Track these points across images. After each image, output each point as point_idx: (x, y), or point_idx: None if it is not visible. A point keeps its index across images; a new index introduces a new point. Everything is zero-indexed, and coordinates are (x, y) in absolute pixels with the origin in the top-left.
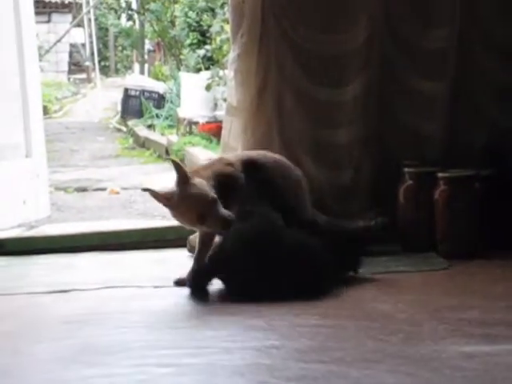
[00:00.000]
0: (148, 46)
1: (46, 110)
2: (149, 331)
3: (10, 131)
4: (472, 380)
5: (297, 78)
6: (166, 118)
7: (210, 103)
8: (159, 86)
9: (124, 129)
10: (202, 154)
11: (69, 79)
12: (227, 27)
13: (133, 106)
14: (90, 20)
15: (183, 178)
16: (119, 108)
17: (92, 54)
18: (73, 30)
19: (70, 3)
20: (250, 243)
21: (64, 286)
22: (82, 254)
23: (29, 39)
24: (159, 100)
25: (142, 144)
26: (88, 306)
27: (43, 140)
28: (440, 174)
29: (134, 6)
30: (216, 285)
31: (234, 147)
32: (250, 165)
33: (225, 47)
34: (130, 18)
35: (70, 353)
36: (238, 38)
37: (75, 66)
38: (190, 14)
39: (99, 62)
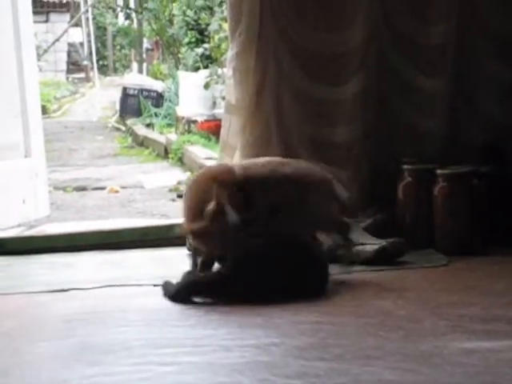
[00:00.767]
0: (146, 44)
1: (44, 110)
2: (149, 330)
3: (9, 131)
4: (473, 376)
5: (295, 76)
6: (165, 117)
7: (209, 102)
8: (158, 85)
9: (123, 128)
10: (200, 153)
11: (67, 78)
12: (225, 25)
13: (131, 104)
14: (87, 19)
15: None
16: (118, 107)
17: (90, 53)
18: (71, 29)
19: (67, 3)
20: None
21: (64, 285)
22: (81, 253)
23: (27, 39)
24: (158, 99)
25: (141, 143)
26: (88, 305)
27: (42, 139)
28: (439, 171)
29: (132, 4)
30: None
31: (233, 145)
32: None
33: (223, 45)
34: (127, 16)
35: (71, 352)
36: (236, 37)
37: (73, 66)
38: (188, 12)
39: (97, 61)
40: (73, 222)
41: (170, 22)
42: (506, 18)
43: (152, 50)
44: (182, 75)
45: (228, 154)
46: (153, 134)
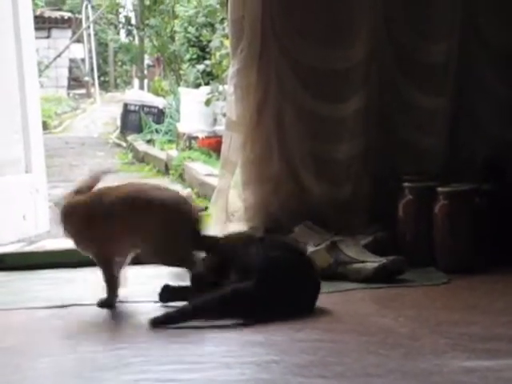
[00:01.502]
0: (147, 61)
1: (45, 126)
2: (149, 346)
3: (10, 146)
4: None
5: (297, 92)
6: (166, 133)
7: (210, 118)
8: (159, 101)
9: (123, 144)
10: (201, 169)
11: (68, 94)
12: (227, 42)
13: (132, 121)
14: (89, 35)
15: None
16: (119, 123)
17: (91, 69)
18: (72, 45)
19: (69, 19)
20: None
21: (64, 300)
22: (81, 269)
23: (28, 54)
24: (159, 115)
25: (142, 159)
26: (88, 321)
27: (43, 155)
28: (440, 189)
29: (134, 21)
30: None
31: (234, 162)
32: None
33: (224, 62)
34: (129, 33)
35: (71, 368)
36: (237, 53)
37: (75, 82)
38: (190, 29)
39: (99, 77)
40: None
41: (172, 38)
42: (508, 35)
43: (153, 66)
44: (183, 92)
45: (229, 170)
46: (153, 151)
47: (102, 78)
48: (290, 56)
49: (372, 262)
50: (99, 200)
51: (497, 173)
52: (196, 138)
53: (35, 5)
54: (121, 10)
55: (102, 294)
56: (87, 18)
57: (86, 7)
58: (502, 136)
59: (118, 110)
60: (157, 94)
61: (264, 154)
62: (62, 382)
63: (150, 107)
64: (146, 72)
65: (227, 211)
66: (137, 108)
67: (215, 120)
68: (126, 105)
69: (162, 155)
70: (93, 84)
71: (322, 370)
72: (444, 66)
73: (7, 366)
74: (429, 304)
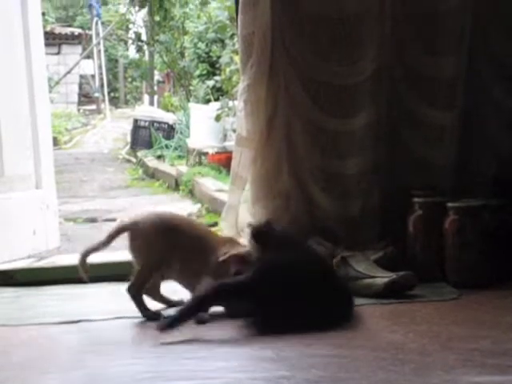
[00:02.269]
0: (157, 76)
1: (55, 141)
2: (159, 362)
3: (20, 162)
4: None
5: (306, 108)
6: (176, 149)
7: (220, 134)
8: (169, 117)
9: (133, 160)
10: (211, 185)
11: (78, 110)
12: (236, 58)
13: (142, 136)
14: (99, 51)
15: None
16: (129, 139)
17: (102, 85)
18: (82, 61)
19: (79, 35)
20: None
21: (74, 316)
22: (91, 285)
23: (39, 71)
24: (169, 131)
25: (152, 175)
26: (98, 337)
27: (53, 171)
28: (450, 204)
29: (144, 37)
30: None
31: (244, 178)
32: None
33: (234, 78)
34: (139, 49)
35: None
36: (247, 69)
37: (85, 98)
38: (200, 45)
39: (109, 93)
40: None
41: (182, 54)
42: None
43: (163, 82)
44: (193, 107)
45: (239, 186)
46: (163, 166)
47: (112, 94)
48: (299, 71)
49: (382, 278)
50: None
51: (506, 188)
52: (206, 153)
53: (45, 21)
54: (131, 26)
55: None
56: (97, 34)
57: (96, 23)
58: None
59: (128, 126)
60: (167, 109)
61: (274, 170)
62: None
63: (159, 123)
64: (155, 88)
65: (237, 227)
66: (147, 124)
67: (225, 136)
68: (136, 120)
69: (172, 171)
70: (103, 100)
71: None
72: (453, 80)
73: (17, 381)
74: (439, 319)
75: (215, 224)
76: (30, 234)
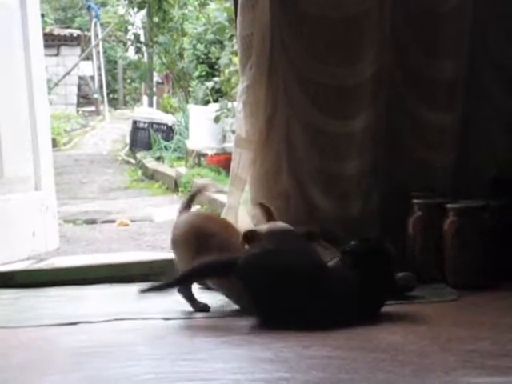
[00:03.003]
0: (156, 78)
1: (54, 143)
2: (159, 363)
3: (20, 164)
4: None
5: (306, 109)
6: (175, 150)
7: (219, 135)
8: (168, 118)
9: (133, 161)
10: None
11: (77, 112)
12: (235, 59)
13: (141, 138)
14: (98, 53)
15: None
16: (128, 140)
17: (101, 86)
18: (81, 62)
19: (78, 36)
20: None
21: (73, 318)
22: (90, 287)
23: (38, 72)
24: (168, 132)
25: (151, 176)
26: (97, 339)
27: (52, 172)
28: (449, 205)
29: (143, 38)
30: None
31: (243, 179)
32: None
33: (233, 79)
34: (138, 50)
35: None
36: (246, 70)
37: (84, 99)
38: (199, 46)
39: (108, 94)
40: (82, 255)
41: (181, 55)
42: None
43: (162, 83)
44: (192, 109)
45: (238, 187)
46: (163, 168)
47: (111, 96)
48: (298, 73)
49: None
50: None
51: (506, 189)
52: (205, 154)
53: (44, 22)
54: (129, 27)
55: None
56: (96, 35)
57: (95, 25)
58: (511, 152)
59: (127, 128)
60: (166, 111)
61: (273, 171)
62: None
63: (159, 124)
64: (154, 89)
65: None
66: (146, 125)
67: (224, 137)
68: (135, 122)
69: (172, 172)
70: (102, 101)
71: None
72: (452, 82)
73: (16, 383)
74: (438, 320)
75: None
76: (30, 236)
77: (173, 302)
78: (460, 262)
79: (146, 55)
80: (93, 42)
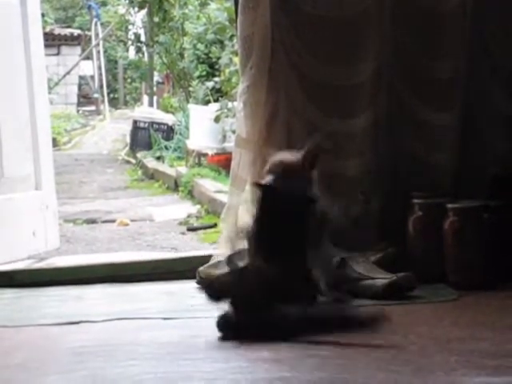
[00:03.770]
0: (157, 78)
1: (55, 142)
2: (159, 363)
3: (20, 164)
4: None
5: (306, 109)
6: (175, 150)
7: (219, 135)
8: (168, 118)
9: (133, 161)
10: (210, 186)
11: (78, 111)
12: (236, 59)
13: (142, 137)
14: (98, 52)
15: None
16: (128, 140)
17: (101, 86)
18: (82, 62)
19: (79, 36)
20: None
21: (73, 317)
22: (91, 286)
23: (38, 72)
24: (168, 132)
25: (151, 176)
26: (97, 338)
27: (52, 172)
28: (449, 205)
29: (143, 38)
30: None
31: (244, 179)
32: None
33: (233, 79)
34: (138, 50)
35: None
36: (247, 70)
37: (84, 98)
38: (199, 46)
39: (108, 94)
40: (83, 255)
41: (181, 55)
42: None
43: (162, 83)
44: (193, 108)
45: (238, 187)
46: (163, 167)
47: (111, 95)
48: (299, 72)
49: (382, 279)
50: None
51: (506, 189)
52: (205, 154)
53: (45, 22)
54: (130, 27)
55: None
56: (96, 35)
57: (95, 24)
58: (511, 152)
59: (127, 127)
60: (166, 110)
61: None
62: None
63: (159, 124)
64: (155, 89)
65: (237, 228)
66: (146, 125)
67: (224, 137)
68: (135, 122)
69: (172, 172)
70: (102, 101)
71: None
72: (452, 82)
73: (16, 382)
74: (439, 320)
75: (215, 225)
76: (30, 235)
77: (172, 301)
78: (460, 261)
79: (146, 55)
80: (93, 42)
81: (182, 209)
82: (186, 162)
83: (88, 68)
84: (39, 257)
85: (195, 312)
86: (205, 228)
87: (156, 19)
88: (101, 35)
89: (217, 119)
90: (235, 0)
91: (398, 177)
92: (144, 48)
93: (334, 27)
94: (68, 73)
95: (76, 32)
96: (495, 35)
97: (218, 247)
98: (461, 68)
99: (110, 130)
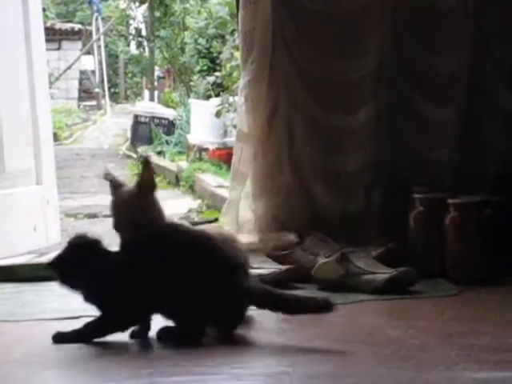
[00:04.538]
0: (158, 72)
1: (56, 137)
2: (157, 357)
3: (21, 158)
4: None
5: (307, 104)
6: (176, 145)
7: (220, 130)
8: (169, 113)
9: (134, 155)
10: (211, 181)
11: (79, 106)
12: (237, 54)
13: (143, 132)
14: (99, 47)
15: None
16: (129, 135)
17: (102, 80)
18: (83, 57)
19: (79, 30)
20: None
21: (74, 312)
22: None
23: (39, 66)
24: (169, 126)
25: None
26: None
27: (53, 167)
28: (450, 200)
29: (144, 32)
30: None
31: (245, 173)
32: None
33: (235, 74)
34: (139, 44)
35: (82, 379)
36: (248, 65)
37: (85, 93)
38: (200, 40)
39: (109, 88)
40: None
41: (182, 50)
42: None
43: (163, 77)
44: (194, 103)
45: (239, 182)
46: (164, 162)
47: (112, 90)
48: (300, 67)
49: (382, 274)
50: None
51: (507, 184)
52: (206, 149)
53: (46, 16)
54: (131, 21)
55: None
56: (97, 29)
57: (96, 19)
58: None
59: (128, 122)
60: (167, 105)
61: (274, 166)
62: None
63: (160, 119)
64: (156, 83)
65: (238, 222)
66: (147, 119)
67: (225, 132)
68: (136, 116)
69: (173, 167)
70: (103, 95)
71: (333, 382)
72: (453, 77)
73: (18, 377)
74: (439, 315)
75: (216, 220)
76: (31, 230)
77: None
78: (461, 256)
79: (147, 49)
80: (94, 37)
81: (182, 203)
82: (187, 156)
83: (89, 63)
84: (40, 252)
85: None
86: (206, 223)
87: (157, 14)
88: (102, 30)
89: (218, 114)
90: None
91: (398, 172)
92: (145, 43)
93: (335, 22)
94: (69, 67)
95: (77, 27)
96: (496, 32)
97: None
98: (461, 64)
99: (111, 124)
